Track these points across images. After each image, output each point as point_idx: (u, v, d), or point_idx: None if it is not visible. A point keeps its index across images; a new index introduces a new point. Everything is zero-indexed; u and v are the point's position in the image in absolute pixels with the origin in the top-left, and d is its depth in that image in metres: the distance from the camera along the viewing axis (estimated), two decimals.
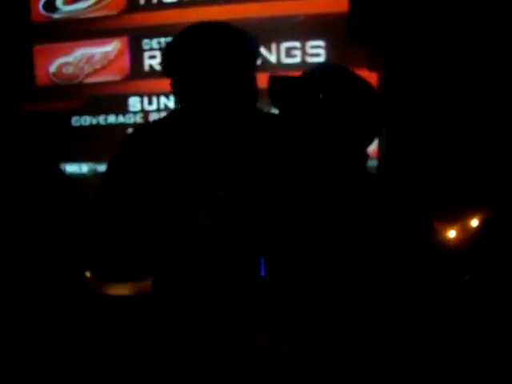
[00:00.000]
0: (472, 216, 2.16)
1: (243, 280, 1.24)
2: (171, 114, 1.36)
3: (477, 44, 2.14)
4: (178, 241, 1.19)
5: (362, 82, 1.12)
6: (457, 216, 2.06)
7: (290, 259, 1.16)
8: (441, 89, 2.22)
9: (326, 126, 1.07)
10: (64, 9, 3.15)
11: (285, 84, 1.09)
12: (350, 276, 1.09)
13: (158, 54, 2.98)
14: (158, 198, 1.22)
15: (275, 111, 1.15)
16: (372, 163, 2.38)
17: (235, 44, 1.18)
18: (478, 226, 2.08)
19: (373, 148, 2.64)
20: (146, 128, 1.39)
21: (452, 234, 2.24)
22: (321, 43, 2.74)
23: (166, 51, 1.23)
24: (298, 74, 1.11)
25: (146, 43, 3.01)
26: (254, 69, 1.23)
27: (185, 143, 1.24)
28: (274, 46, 2.81)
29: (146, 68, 3.02)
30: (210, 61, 1.15)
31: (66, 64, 3.17)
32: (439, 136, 2.34)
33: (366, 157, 1.16)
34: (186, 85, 1.20)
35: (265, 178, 1.24)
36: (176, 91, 1.24)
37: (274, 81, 1.09)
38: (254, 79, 1.23)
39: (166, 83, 1.30)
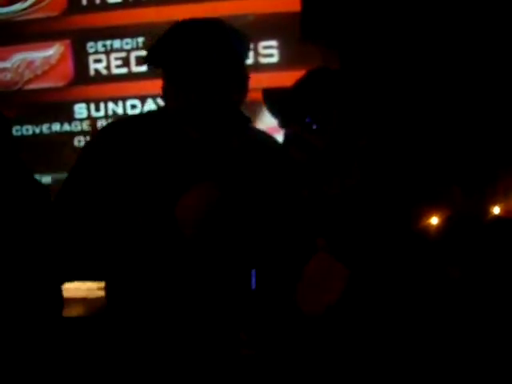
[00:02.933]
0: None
1: (232, 292, 1.19)
2: (150, 112, 1.32)
3: (432, 38, 2.15)
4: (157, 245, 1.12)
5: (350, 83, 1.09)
6: (440, 202, 2.05)
7: (280, 272, 1.11)
8: (397, 85, 2.21)
9: (330, 135, 1.03)
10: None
11: (278, 96, 1.07)
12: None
13: (103, 57, 2.83)
14: (130, 194, 1.15)
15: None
16: None
17: (224, 38, 1.16)
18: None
19: None
20: (122, 122, 1.32)
21: (434, 220, 2.23)
22: (273, 43, 2.68)
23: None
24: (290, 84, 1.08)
25: (90, 46, 2.85)
26: (243, 64, 1.21)
27: (163, 139, 1.18)
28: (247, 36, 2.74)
29: (92, 72, 2.86)
30: (199, 53, 1.13)
31: (4, 70, 2.97)
32: (399, 133, 2.34)
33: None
34: (176, 75, 1.16)
35: (252, 182, 1.19)
36: (166, 85, 1.19)
37: (267, 94, 1.07)
38: (242, 74, 1.20)
39: (113, 88, 1.21)
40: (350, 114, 1.05)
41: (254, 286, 1.17)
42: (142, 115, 1.34)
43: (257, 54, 2.71)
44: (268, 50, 2.70)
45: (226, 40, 1.16)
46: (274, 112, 1.08)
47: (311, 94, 1.04)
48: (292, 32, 2.44)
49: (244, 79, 1.21)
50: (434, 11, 2.11)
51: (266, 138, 1.34)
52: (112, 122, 1.35)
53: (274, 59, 2.68)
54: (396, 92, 2.17)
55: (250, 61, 2.66)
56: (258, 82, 3.08)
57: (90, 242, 1.14)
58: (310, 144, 1.04)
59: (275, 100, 1.08)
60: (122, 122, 1.32)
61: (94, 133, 2.80)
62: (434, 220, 2.00)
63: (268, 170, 1.21)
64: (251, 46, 2.63)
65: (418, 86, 2.20)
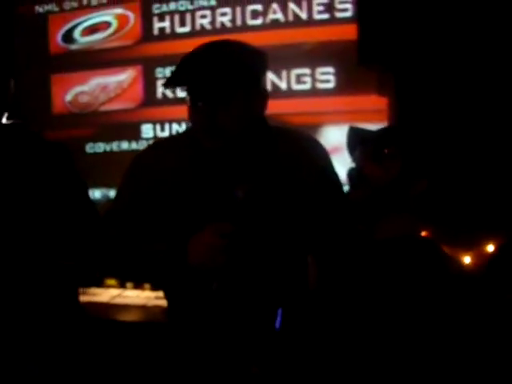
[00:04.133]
0: (487, 241, 2.10)
1: (257, 331, 1.21)
2: (182, 132, 1.37)
3: (487, 67, 2.12)
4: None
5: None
6: (472, 242, 2.01)
7: (307, 311, 1.15)
8: (452, 112, 2.19)
9: (387, 168, 1.13)
10: (81, 40, 3.21)
11: (361, 135, 1.18)
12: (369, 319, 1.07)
13: None
14: (165, 209, 1.22)
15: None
16: None
17: (238, 55, 1.19)
18: (493, 252, 2.02)
19: None
20: (155, 146, 1.38)
21: (467, 259, 2.18)
22: (330, 69, 2.74)
23: (180, 62, 1.24)
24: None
25: (159, 72, 3.03)
26: (260, 82, 1.23)
27: (188, 162, 1.23)
28: (284, 73, 2.82)
29: (159, 96, 3.04)
30: (213, 71, 1.16)
31: (82, 93, 3.21)
32: (453, 161, 2.30)
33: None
34: (194, 94, 1.20)
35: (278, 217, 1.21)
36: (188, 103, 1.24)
37: (352, 130, 1.19)
38: (261, 91, 1.23)
39: (177, 110, 1.30)
40: (413, 162, 1.15)
41: (278, 325, 1.17)
42: (174, 137, 1.39)
43: (314, 79, 2.78)
44: (325, 76, 2.76)
45: (241, 57, 1.18)
46: (352, 146, 1.16)
47: (388, 139, 1.15)
48: (348, 58, 2.48)
49: (262, 93, 1.23)
50: (489, 39, 2.09)
51: (302, 149, 1.29)
52: (149, 146, 1.40)
53: (331, 85, 2.74)
54: (449, 117, 2.15)
55: (307, 86, 2.77)
56: (315, 106, 3.15)
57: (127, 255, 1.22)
58: (370, 181, 1.10)
59: (357, 137, 1.16)
60: (154, 147, 1.37)
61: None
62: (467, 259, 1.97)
63: (300, 196, 1.22)
64: (308, 71, 2.74)
65: (474, 112, 2.17)
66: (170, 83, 1.26)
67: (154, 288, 1.64)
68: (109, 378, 2.13)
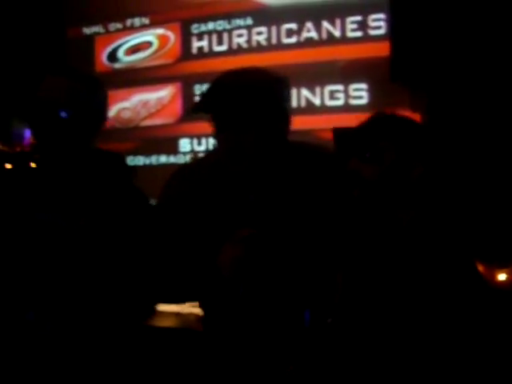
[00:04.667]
0: None
1: (287, 329, 1.24)
2: (208, 154, 1.43)
3: None
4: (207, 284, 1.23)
5: (413, 126, 1.15)
6: (508, 258, 1.97)
7: (333, 309, 1.17)
8: (485, 129, 2.18)
9: (382, 168, 1.11)
10: (125, 59, 3.36)
11: (346, 134, 1.17)
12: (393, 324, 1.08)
13: None
14: (197, 228, 1.27)
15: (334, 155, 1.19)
16: None
17: (262, 85, 1.23)
18: None
19: None
20: (185, 169, 1.46)
21: (502, 276, 2.13)
22: (363, 86, 2.77)
23: (206, 90, 1.30)
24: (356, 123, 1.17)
25: (197, 88, 3.13)
26: (283, 109, 1.27)
27: (216, 186, 1.29)
28: (318, 90, 2.86)
29: None
30: (238, 99, 1.21)
31: (124, 109, 3.35)
32: (485, 177, 2.28)
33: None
34: (218, 121, 1.25)
35: (301, 219, 1.25)
36: (217, 132, 1.29)
37: (336, 132, 1.20)
38: (283, 114, 1.26)
39: None
40: (407, 158, 1.11)
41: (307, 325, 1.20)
42: (201, 160, 1.43)
43: (347, 95, 2.81)
44: (358, 93, 2.78)
45: (262, 85, 1.22)
46: (339, 148, 1.16)
47: (374, 133, 1.13)
48: (381, 75, 2.51)
49: (286, 117, 1.27)
50: None
51: (315, 155, 1.34)
52: (180, 168, 1.47)
53: (364, 101, 2.76)
54: (482, 134, 2.14)
55: (341, 102, 2.80)
56: (348, 121, 3.16)
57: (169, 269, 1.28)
58: (363, 178, 1.10)
59: (342, 137, 1.16)
60: (184, 169, 1.45)
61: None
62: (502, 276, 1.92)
63: (316, 202, 1.26)
64: (342, 88, 2.77)
65: (507, 129, 2.15)
66: (196, 110, 1.32)
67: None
68: (143, 379, 2.18)
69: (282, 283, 1.25)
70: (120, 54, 3.36)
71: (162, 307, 2.45)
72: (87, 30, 3.44)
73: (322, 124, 2.78)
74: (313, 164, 1.30)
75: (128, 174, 1.51)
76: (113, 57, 3.37)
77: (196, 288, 1.27)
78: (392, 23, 2.38)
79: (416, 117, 2.44)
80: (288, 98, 1.30)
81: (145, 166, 3.25)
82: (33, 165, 1.31)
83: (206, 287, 1.24)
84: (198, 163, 1.42)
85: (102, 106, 1.47)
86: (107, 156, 1.52)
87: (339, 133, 1.18)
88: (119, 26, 3.36)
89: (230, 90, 1.22)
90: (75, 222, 1.30)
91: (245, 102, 1.20)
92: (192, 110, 1.31)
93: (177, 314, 2.39)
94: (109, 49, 3.38)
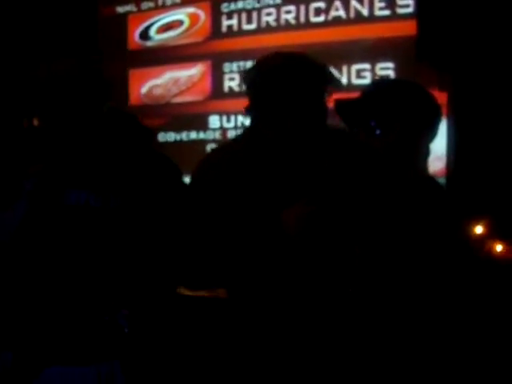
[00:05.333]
0: None
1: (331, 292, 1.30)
2: (245, 134, 1.42)
3: None
4: (267, 248, 1.25)
5: (417, 92, 1.15)
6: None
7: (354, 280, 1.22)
8: (511, 108, 2.16)
9: (388, 139, 1.12)
10: (156, 37, 3.42)
11: (345, 104, 1.18)
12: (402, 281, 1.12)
13: (236, 76, 3.15)
14: (241, 211, 1.28)
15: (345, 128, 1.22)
16: (440, 181, 2.34)
17: (306, 70, 1.25)
18: None
19: (441, 167, 2.61)
20: (224, 148, 1.45)
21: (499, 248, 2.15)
22: (390, 65, 2.76)
23: (246, 75, 1.32)
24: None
25: (226, 67, 3.18)
26: (324, 92, 1.30)
27: (262, 160, 1.31)
28: (345, 68, 2.87)
29: (226, 89, 3.19)
30: (285, 85, 1.23)
31: (156, 86, 3.42)
32: (510, 157, 2.27)
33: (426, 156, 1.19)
34: (262, 106, 1.27)
35: (334, 190, 1.31)
36: (252, 110, 1.32)
37: (337, 103, 1.19)
38: (323, 101, 1.30)
39: (243, 103, 1.38)
40: (412, 127, 1.12)
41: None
42: (241, 141, 1.39)
43: (374, 74, 2.81)
44: (385, 71, 2.78)
45: (303, 68, 1.24)
46: (344, 118, 1.18)
47: (378, 102, 1.14)
48: (409, 54, 2.50)
49: (324, 105, 1.29)
50: None
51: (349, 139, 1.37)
52: (217, 149, 1.47)
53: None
54: (508, 114, 2.13)
55: (367, 80, 2.80)
56: None
57: (210, 250, 1.29)
58: (372, 148, 1.13)
59: (345, 108, 1.18)
60: (226, 147, 1.44)
61: (225, 141, 3.09)
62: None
63: (354, 173, 1.30)
64: (369, 66, 2.76)
65: None
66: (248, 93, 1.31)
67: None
68: (178, 344, 2.30)
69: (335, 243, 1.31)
70: (152, 32, 3.42)
71: None
72: (120, 9, 3.50)
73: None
74: (347, 143, 1.34)
75: (148, 138, 1.49)
76: (145, 35, 3.44)
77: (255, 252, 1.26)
78: (419, 2, 2.35)
79: (443, 96, 2.44)
80: (327, 82, 1.30)
81: (175, 142, 3.33)
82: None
83: (269, 248, 1.24)
84: (236, 143, 1.41)
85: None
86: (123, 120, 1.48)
87: (342, 104, 1.19)
88: (151, 4, 3.41)
89: (277, 73, 1.23)
90: (108, 201, 1.27)
91: (290, 85, 1.22)
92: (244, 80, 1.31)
93: None
94: (141, 27, 3.44)
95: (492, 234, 2.30)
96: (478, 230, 2.25)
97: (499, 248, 2.29)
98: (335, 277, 1.33)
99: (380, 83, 1.20)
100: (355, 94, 1.23)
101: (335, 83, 1.29)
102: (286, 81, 1.23)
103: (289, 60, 1.27)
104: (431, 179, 1.24)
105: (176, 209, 1.32)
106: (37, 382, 1.26)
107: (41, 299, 1.25)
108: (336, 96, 1.26)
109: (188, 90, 3.32)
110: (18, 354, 1.26)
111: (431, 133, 1.16)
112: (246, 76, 1.32)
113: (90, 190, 1.26)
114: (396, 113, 1.12)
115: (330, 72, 1.32)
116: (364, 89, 1.19)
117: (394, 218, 1.18)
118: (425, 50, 2.23)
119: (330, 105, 1.30)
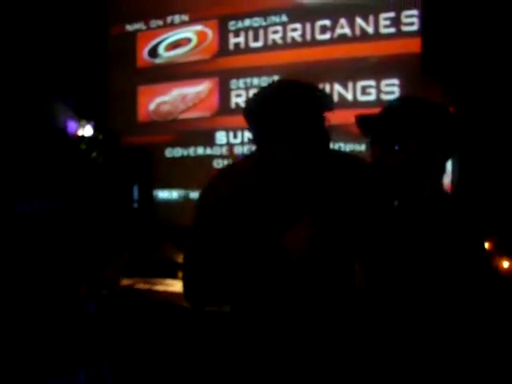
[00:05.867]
0: None
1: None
2: (250, 155, 1.44)
3: None
4: (270, 270, 1.26)
5: (437, 112, 1.16)
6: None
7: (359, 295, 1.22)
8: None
9: (401, 155, 1.13)
10: (165, 54, 3.46)
11: (366, 119, 1.19)
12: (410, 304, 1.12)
13: (243, 92, 3.18)
14: (246, 230, 1.30)
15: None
16: None
17: (305, 98, 1.26)
18: None
19: (446, 183, 2.61)
20: (230, 169, 1.46)
21: (505, 264, 2.13)
22: (395, 81, 2.78)
23: (249, 104, 1.31)
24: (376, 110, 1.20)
25: (233, 83, 3.21)
26: (323, 117, 1.31)
27: (266, 182, 1.33)
28: (350, 85, 2.89)
29: (233, 105, 3.22)
30: (286, 112, 1.24)
31: (164, 103, 3.45)
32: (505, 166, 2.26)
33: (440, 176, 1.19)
34: (264, 131, 1.28)
35: (339, 207, 1.31)
36: (254, 133, 1.32)
37: (358, 118, 1.20)
38: (323, 125, 1.31)
39: None
40: (428, 145, 1.12)
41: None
42: (244, 160, 1.42)
43: (379, 91, 2.82)
44: (390, 88, 2.80)
45: (306, 99, 1.25)
46: (364, 134, 1.19)
47: (396, 119, 1.14)
48: (413, 70, 2.52)
49: (325, 129, 1.30)
50: None
51: (352, 161, 1.41)
52: (222, 171, 1.46)
53: (395, 96, 2.77)
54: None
55: (372, 97, 2.81)
56: None
57: (218, 269, 1.29)
58: (386, 164, 1.13)
59: (365, 123, 1.19)
60: (230, 171, 1.43)
61: (231, 157, 3.11)
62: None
63: (357, 193, 1.32)
64: (374, 83, 2.78)
65: None
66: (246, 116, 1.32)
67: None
68: (178, 354, 2.29)
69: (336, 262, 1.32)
70: (160, 49, 3.46)
71: None
72: (129, 27, 3.56)
73: (354, 119, 2.79)
74: (350, 165, 1.38)
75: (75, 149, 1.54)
76: (153, 52, 3.49)
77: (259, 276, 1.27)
78: (424, 19, 2.37)
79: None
80: (328, 109, 1.30)
81: (182, 158, 3.36)
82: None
83: (271, 271, 1.25)
84: (241, 165, 1.42)
85: None
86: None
87: (362, 120, 1.20)
88: (160, 23, 3.46)
89: (273, 104, 1.24)
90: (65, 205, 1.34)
91: (289, 117, 1.23)
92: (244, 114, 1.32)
93: None
94: (150, 45, 3.49)
95: (498, 251, 2.28)
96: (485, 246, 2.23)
97: (506, 264, 2.27)
98: (339, 294, 1.33)
99: (400, 100, 1.20)
100: (360, 111, 1.24)
101: (330, 105, 1.30)
102: (286, 109, 1.24)
103: (287, 89, 1.27)
104: (449, 196, 1.24)
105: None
106: None
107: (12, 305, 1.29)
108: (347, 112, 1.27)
109: (195, 106, 3.35)
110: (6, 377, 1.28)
111: (449, 151, 1.17)
112: (246, 106, 1.32)
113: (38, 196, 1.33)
114: (413, 130, 1.13)
115: (326, 95, 1.33)
116: (385, 105, 1.20)
117: (403, 236, 1.18)
118: (430, 66, 2.24)
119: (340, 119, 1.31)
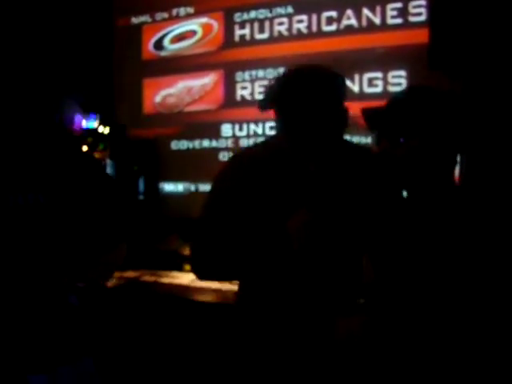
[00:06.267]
0: None
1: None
2: (267, 141, 1.47)
3: None
4: (274, 254, 1.27)
5: (445, 102, 1.13)
6: None
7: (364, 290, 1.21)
8: None
9: (409, 145, 1.11)
10: (170, 47, 3.44)
11: (372, 112, 1.18)
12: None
13: (248, 85, 3.16)
14: (257, 214, 1.31)
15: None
16: None
17: (327, 84, 1.27)
18: None
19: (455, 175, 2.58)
20: (246, 153, 1.47)
21: None
22: (402, 73, 2.75)
23: (270, 89, 1.32)
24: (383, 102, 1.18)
25: (238, 76, 3.19)
26: (342, 102, 1.32)
27: (278, 167, 1.34)
28: (356, 77, 2.86)
29: (238, 98, 3.20)
30: (307, 98, 1.25)
31: (169, 95, 3.44)
32: None
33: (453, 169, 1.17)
34: (286, 117, 1.29)
35: (347, 198, 1.31)
36: (277, 121, 1.34)
37: (364, 111, 1.18)
38: (343, 111, 1.32)
39: (255, 111, 1.39)
40: (435, 137, 1.10)
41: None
42: (262, 146, 1.44)
43: (386, 82, 2.79)
44: (397, 79, 2.76)
45: (329, 83, 1.26)
46: (370, 126, 1.18)
47: (402, 110, 1.12)
48: (420, 62, 2.48)
49: (345, 114, 1.32)
50: None
51: (361, 151, 1.42)
52: (240, 153, 1.49)
53: (402, 88, 2.73)
54: None
55: (379, 89, 2.78)
56: None
57: (225, 246, 1.33)
58: (394, 156, 1.11)
59: (371, 116, 1.17)
60: (247, 153, 1.46)
61: (237, 150, 3.10)
62: None
63: (365, 184, 1.32)
64: (381, 75, 2.75)
65: None
66: (264, 106, 1.33)
67: (227, 279, 1.72)
68: (183, 347, 2.30)
69: (339, 249, 1.32)
70: (166, 42, 3.44)
71: (203, 284, 2.55)
72: (135, 20, 3.54)
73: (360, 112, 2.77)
74: (359, 155, 1.38)
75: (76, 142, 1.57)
76: (159, 45, 3.47)
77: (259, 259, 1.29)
78: (432, 11, 2.34)
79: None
80: (345, 92, 1.32)
81: (188, 150, 3.35)
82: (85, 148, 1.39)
83: (272, 255, 1.27)
84: (260, 148, 1.44)
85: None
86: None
87: (368, 113, 1.19)
88: (165, 15, 3.44)
89: (298, 86, 1.25)
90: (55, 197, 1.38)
91: (311, 99, 1.23)
92: (260, 107, 1.33)
93: (217, 291, 2.48)
94: (155, 37, 3.47)
95: None
96: None
97: None
98: (342, 287, 1.32)
99: (406, 91, 1.18)
100: (367, 103, 1.23)
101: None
102: (308, 93, 1.24)
103: (310, 73, 1.28)
104: (460, 187, 1.22)
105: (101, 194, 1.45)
106: None
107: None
108: (353, 104, 1.27)
109: (201, 98, 3.34)
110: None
111: (458, 143, 1.14)
112: (269, 91, 1.32)
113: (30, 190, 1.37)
114: (418, 121, 1.11)
115: (344, 83, 1.33)
116: (391, 97, 1.18)
117: (415, 229, 1.16)
118: (437, 59, 2.21)
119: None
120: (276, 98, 1.28)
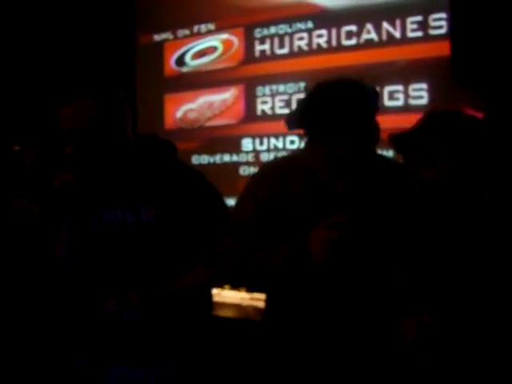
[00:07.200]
0: None
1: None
2: (296, 158, 1.45)
3: None
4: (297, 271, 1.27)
5: (475, 126, 1.13)
6: None
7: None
8: None
9: (440, 170, 1.10)
10: (191, 63, 3.48)
11: (402, 137, 1.18)
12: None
13: (269, 99, 3.17)
14: (285, 227, 1.32)
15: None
16: None
17: (360, 98, 1.25)
18: None
19: None
20: (280, 164, 1.47)
21: None
22: (423, 86, 2.72)
23: (301, 106, 1.30)
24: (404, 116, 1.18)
25: (259, 90, 3.20)
26: (374, 116, 1.30)
27: (305, 186, 1.34)
28: (377, 90, 2.83)
29: (259, 112, 3.21)
30: (340, 113, 1.23)
31: (190, 110, 3.47)
32: None
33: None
34: (318, 131, 1.28)
35: (378, 213, 1.29)
36: (308, 133, 1.32)
37: (391, 136, 1.19)
38: (374, 124, 1.30)
39: (275, 126, 1.39)
40: (463, 157, 1.10)
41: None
42: (290, 162, 1.43)
43: (407, 96, 2.77)
44: (418, 93, 2.73)
45: (358, 96, 1.24)
46: (398, 150, 1.18)
47: (428, 134, 1.13)
48: (442, 74, 2.45)
49: (376, 128, 1.30)
50: None
51: (392, 167, 1.40)
52: (265, 167, 1.51)
53: (424, 101, 2.71)
54: None
55: (400, 102, 2.76)
56: (407, 122, 3.13)
57: (251, 257, 1.33)
58: (422, 179, 1.11)
59: (398, 139, 1.17)
60: (272, 168, 1.46)
61: (257, 164, 3.09)
62: None
63: (391, 202, 1.30)
64: (401, 88, 2.73)
65: None
66: (291, 124, 1.32)
67: (254, 290, 1.73)
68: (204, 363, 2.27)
69: (366, 267, 1.30)
70: (187, 58, 3.49)
71: (224, 299, 2.54)
72: (157, 37, 3.60)
73: (382, 124, 2.75)
74: (391, 170, 1.38)
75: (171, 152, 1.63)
76: (180, 61, 3.51)
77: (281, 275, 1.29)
78: (453, 24, 2.31)
79: (479, 116, 2.36)
80: (377, 106, 1.31)
81: (209, 165, 3.36)
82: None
83: (294, 272, 1.26)
84: (287, 166, 1.43)
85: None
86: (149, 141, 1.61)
87: (395, 137, 1.18)
88: (187, 32, 3.49)
89: (329, 102, 1.23)
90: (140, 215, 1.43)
91: (343, 113, 1.22)
92: (288, 127, 1.32)
93: (237, 306, 2.46)
94: (177, 54, 3.52)
95: None
96: None
97: None
98: (370, 301, 1.30)
99: (431, 117, 1.18)
100: (388, 117, 1.23)
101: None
102: (341, 110, 1.23)
103: (340, 87, 1.26)
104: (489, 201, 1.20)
105: (207, 209, 1.49)
106: (102, 382, 1.39)
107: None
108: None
109: (221, 113, 3.36)
110: (89, 356, 1.43)
111: (485, 163, 1.13)
112: (297, 108, 1.31)
113: (123, 207, 1.44)
114: (446, 143, 1.11)
115: (377, 92, 1.33)
116: (418, 120, 1.18)
117: (443, 243, 1.14)
118: (460, 72, 2.18)
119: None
120: (307, 117, 1.26)
